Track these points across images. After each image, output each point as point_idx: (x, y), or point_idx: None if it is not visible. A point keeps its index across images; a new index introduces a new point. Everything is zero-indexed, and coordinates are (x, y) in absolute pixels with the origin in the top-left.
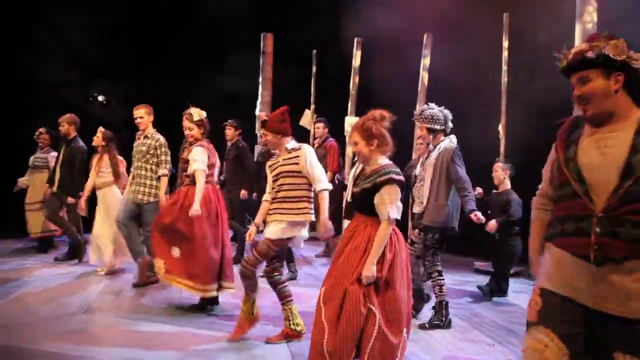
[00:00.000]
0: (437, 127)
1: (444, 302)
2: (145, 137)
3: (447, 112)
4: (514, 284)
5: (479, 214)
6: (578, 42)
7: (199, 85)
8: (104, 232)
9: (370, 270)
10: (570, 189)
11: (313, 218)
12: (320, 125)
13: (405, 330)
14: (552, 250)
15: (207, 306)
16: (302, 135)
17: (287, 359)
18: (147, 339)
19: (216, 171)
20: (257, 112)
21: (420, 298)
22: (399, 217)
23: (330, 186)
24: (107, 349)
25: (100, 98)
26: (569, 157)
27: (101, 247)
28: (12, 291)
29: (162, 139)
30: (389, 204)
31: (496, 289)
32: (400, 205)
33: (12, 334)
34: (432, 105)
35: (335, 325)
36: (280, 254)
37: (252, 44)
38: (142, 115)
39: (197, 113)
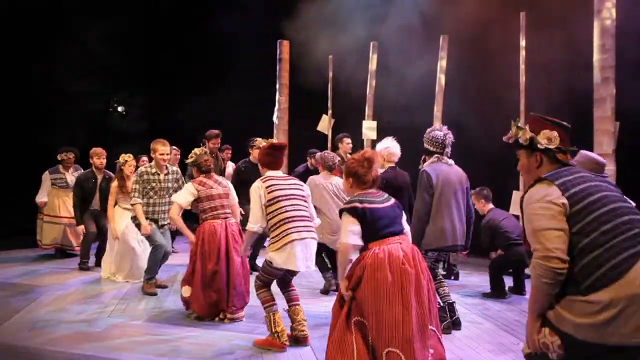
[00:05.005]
0: (432, 149)
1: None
2: (167, 173)
3: (450, 137)
4: None
5: None
6: (597, 39)
7: (216, 95)
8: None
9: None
10: None
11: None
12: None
13: (395, 346)
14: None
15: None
16: (320, 140)
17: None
18: (168, 341)
19: (227, 202)
20: (274, 118)
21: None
22: (350, 242)
23: (250, 227)
24: (130, 349)
25: (120, 109)
26: None
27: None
28: (34, 297)
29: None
30: (342, 231)
31: (493, 293)
32: (353, 229)
33: (37, 337)
34: (442, 127)
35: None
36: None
37: (268, 52)
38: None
39: (192, 153)
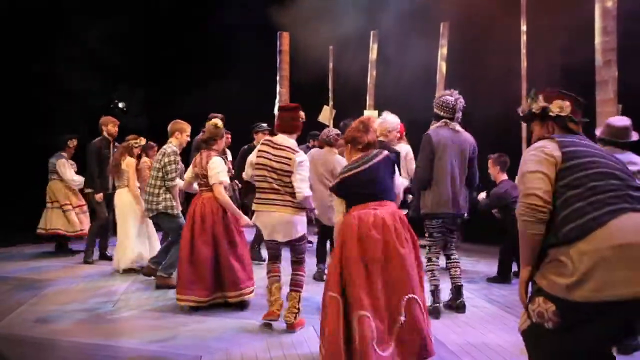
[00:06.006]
0: (441, 113)
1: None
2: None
3: (461, 102)
4: None
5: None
6: (598, 21)
7: (217, 88)
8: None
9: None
10: None
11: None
12: None
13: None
14: None
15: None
16: (322, 131)
17: (314, 341)
18: (170, 328)
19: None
20: (275, 111)
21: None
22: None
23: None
24: (134, 336)
25: (120, 105)
26: None
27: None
28: (42, 289)
29: None
30: (335, 210)
31: (498, 278)
32: (339, 208)
33: (42, 328)
34: (452, 92)
35: None
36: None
37: (268, 44)
38: None
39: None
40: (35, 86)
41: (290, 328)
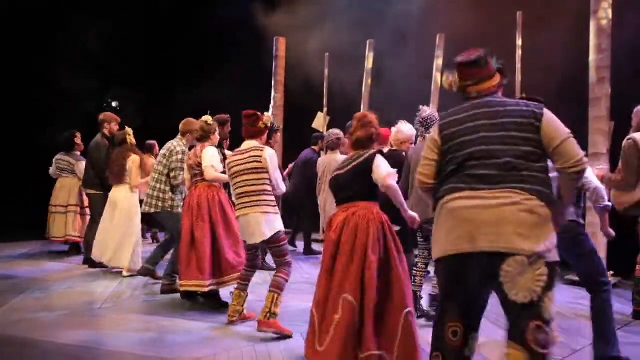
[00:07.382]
0: (420, 128)
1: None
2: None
3: (434, 115)
4: None
5: None
6: (593, 39)
7: (212, 91)
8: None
9: None
10: None
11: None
12: None
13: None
14: None
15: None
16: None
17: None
18: (156, 331)
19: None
20: (269, 115)
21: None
22: None
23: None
24: (119, 339)
25: (114, 104)
26: None
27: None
28: (29, 289)
29: None
30: None
31: None
32: None
33: (25, 327)
34: (426, 108)
35: None
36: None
37: (264, 49)
38: None
39: None
40: (35, 86)
41: (259, 326)
